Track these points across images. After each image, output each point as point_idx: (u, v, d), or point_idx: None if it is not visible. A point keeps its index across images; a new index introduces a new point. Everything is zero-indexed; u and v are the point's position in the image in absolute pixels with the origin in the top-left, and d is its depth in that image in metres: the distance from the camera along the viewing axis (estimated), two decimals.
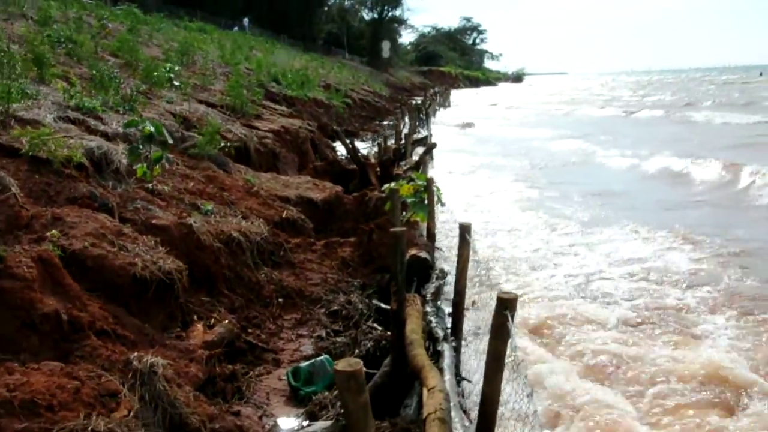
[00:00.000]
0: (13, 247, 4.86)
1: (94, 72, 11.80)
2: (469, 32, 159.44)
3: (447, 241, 10.77)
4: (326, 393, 5.35)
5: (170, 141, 9.03)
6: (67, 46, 13.95)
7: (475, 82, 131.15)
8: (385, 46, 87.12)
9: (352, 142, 16.71)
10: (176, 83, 14.95)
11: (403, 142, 20.02)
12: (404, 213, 9.73)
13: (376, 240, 9.02)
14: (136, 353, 4.56)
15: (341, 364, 2.84)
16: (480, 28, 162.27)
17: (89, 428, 3.50)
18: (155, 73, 14.44)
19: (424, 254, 8.58)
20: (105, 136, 8.51)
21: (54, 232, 5.40)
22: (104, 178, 7.30)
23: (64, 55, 13.41)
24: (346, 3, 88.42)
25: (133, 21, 24.20)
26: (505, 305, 4.06)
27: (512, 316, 4.04)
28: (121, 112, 10.35)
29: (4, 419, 3.26)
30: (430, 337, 6.19)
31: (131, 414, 3.93)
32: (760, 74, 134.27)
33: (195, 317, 6.16)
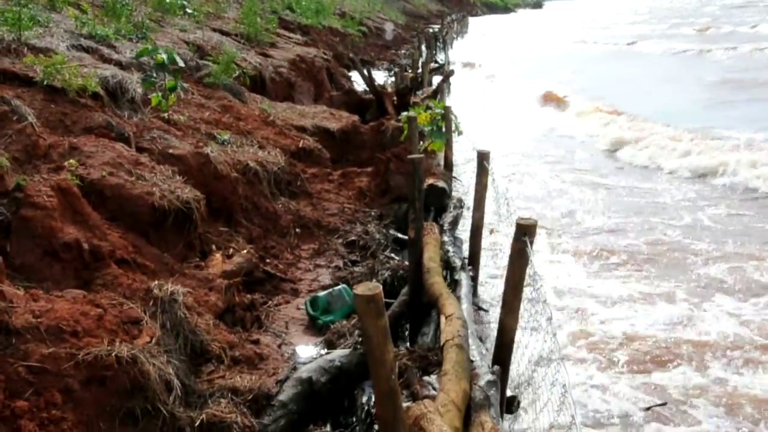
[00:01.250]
0: (32, 176, 4.85)
1: None
2: None
3: (465, 172, 10.68)
4: (344, 322, 5.40)
5: (184, 67, 8.92)
6: None
7: (493, 9, 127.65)
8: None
9: (368, 71, 16.42)
10: (189, 11, 14.69)
11: (420, 70, 19.69)
12: (421, 142, 9.62)
13: (393, 169, 8.96)
14: (156, 282, 4.59)
15: (360, 288, 2.83)
16: None
17: (113, 354, 3.54)
18: (167, 0, 14.16)
19: (441, 183, 8.54)
20: (119, 64, 8.40)
21: (72, 161, 5.39)
22: (120, 108, 7.23)
23: None
24: None
25: None
26: (524, 231, 4.02)
27: (531, 242, 4.00)
28: (134, 40, 10.20)
29: (31, 344, 3.30)
30: (447, 266, 6.22)
31: (153, 341, 3.97)
32: None
33: (213, 247, 6.19)
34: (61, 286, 4.22)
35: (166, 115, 7.86)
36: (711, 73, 23.58)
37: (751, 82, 20.87)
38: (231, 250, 6.28)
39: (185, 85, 8.80)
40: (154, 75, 7.89)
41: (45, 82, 6.37)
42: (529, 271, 4.08)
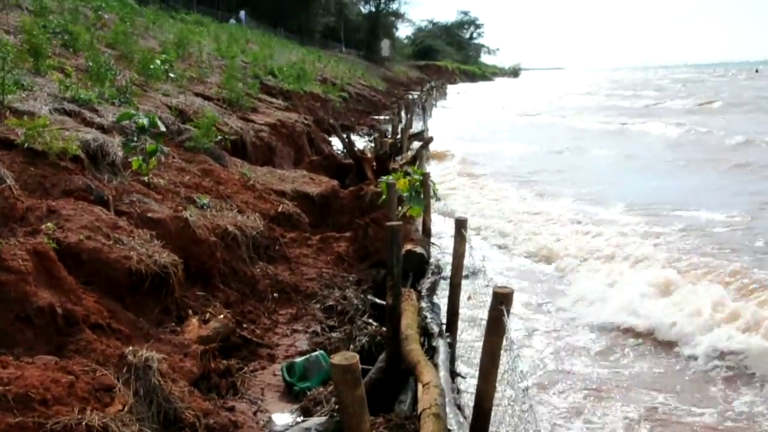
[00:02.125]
0: (8, 239, 4.83)
1: (90, 63, 11.74)
2: (466, 26, 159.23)
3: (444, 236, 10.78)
4: (321, 389, 5.35)
5: (165, 131, 9.03)
6: (63, 37, 13.88)
7: (471, 77, 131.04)
8: (385, 44, 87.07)
9: (348, 137, 16.70)
10: (172, 75, 14.94)
11: (399, 136, 20.03)
12: (400, 208, 9.74)
13: (372, 235, 9.04)
14: (131, 347, 4.55)
15: (337, 358, 2.85)
16: (477, 23, 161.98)
17: (83, 423, 3.49)
18: (151, 66, 14.38)
19: (419, 249, 8.61)
20: (101, 128, 8.48)
21: (49, 224, 5.39)
22: (100, 171, 7.27)
23: (60, 47, 13.34)
24: None
25: (129, 12, 24.10)
26: (501, 300, 4.06)
27: (508, 311, 4.04)
28: (116, 104, 10.31)
29: None
30: (425, 332, 6.21)
31: (126, 409, 3.93)
32: (756, 71, 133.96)
33: (190, 312, 6.15)
34: (33, 352, 4.17)
35: (146, 178, 7.91)
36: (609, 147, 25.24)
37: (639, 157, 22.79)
38: (208, 315, 6.24)
39: (166, 149, 8.87)
40: (136, 139, 7.98)
41: (26, 145, 6.41)
42: (506, 339, 4.12)
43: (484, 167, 21.41)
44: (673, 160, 21.85)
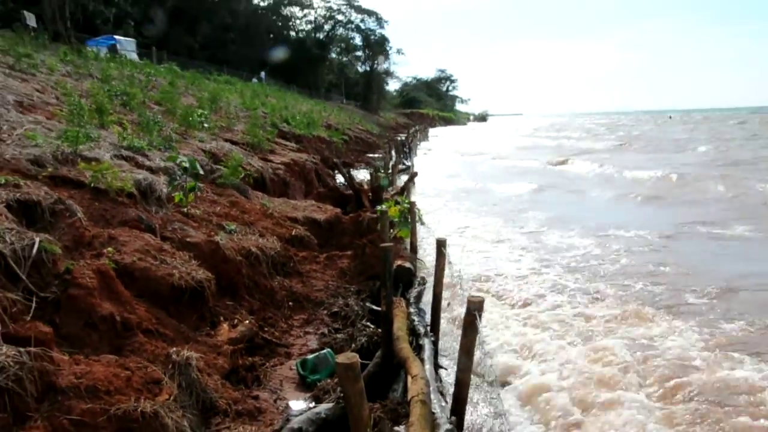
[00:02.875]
0: (78, 261, 4.90)
1: (141, 118, 11.86)
2: (443, 81, 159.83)
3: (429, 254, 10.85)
4: (329, 380, 5.40)
5: (201, 173, 9.11)
6: (122, 98, 14.04)
7: (448, 122, 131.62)
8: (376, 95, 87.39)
9: (349, 172, 16.80)
10: (206, 125, 15.04)
11: (390, 171, 20.13)
12: (392, 230, 9.81)
13: (369, 253, 9.07)
14: (174, 348, 4.61)
15: (341, 358, 2.91)
16: (452, 78, 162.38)
17: (139, 409, 3.55)
18: (190, 118, 14.52)
19: (408, 264, 8.63)
20: (150, 169, 8.56)
21: (110, 249, 5.47)
22: (149, 204, 7.34)
23: (119, 105, 13.50)
24: (344, 59, 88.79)
25: (173, 76, 24.36)
26: (474, 307, 4.15)
27: (480, 316, 4.13)
28: (162, 149, 10.40)
29: (73, 401, 3.31)
30: (413, 333, 6.21)
31: (171, 398, 3.98)
32: (670, 117, 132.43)
33: (221, 318, 6.20)
34: (98, 352, 4.23)
35: (185, 210, 7.98)
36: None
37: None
38: (236, 321, 6.28)
39: (201, 185, 8.97)
40: (178, 178, 8.08)
41: (92, 185, 6.50)
42: (478, 338, 4.21)
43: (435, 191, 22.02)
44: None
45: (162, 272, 5.68)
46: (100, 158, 7.46)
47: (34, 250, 4.43)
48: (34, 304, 4.07)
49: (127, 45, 33.32)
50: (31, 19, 25.46)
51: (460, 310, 7.55)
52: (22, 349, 3.39)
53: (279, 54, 63.30)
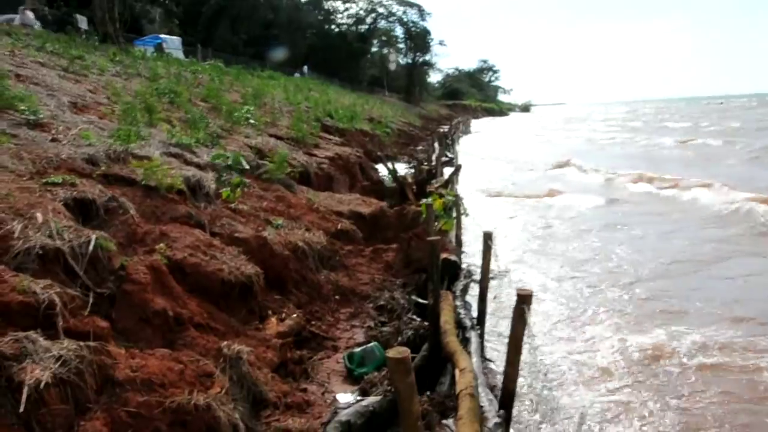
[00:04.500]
0: (132, 257, 5.05)
1: (188, 115, 12.11)
2: (485, 72, 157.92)
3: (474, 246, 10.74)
4: (375, 373, 5.41)
5: (246, 168, 9.24)
6: (169, 96, 14.37)
7: (491, 113, 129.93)
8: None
9: (392, 165, 16.76)
10: (252, 121, 15.23)
11: (434, 164, 20.02)
12: (437, 223, 9.75)
13: (414, 246, 9.05)
14: (225, 342, 4.70)
15: (392, 352, 2.90)
16: (494, 68, 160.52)
17: (192, 402, 3.63)
18: (235, 114, 14.75)
19: (453, 257, 8.61)
20: (198, 166, 8.74)
21: (161, 245, 5.59)
22: (198, 200, 7.48)
23: (167, 103, 13.81)
24: (385, 51, 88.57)
25: (218, 73, 24.80)
26: (523, 299, 4.09)
27: (529, 308, 4.07)
28: (209, 146, 10.61)
29: (130, 393, 3.42)
30: (459, 326, 6.22)
31: (223, 391, 4.05)
32: (721, 103, 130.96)
33: (269, 312, 6.27)
34: (152, 346, 4.35)
35: (233, 205, 8.10)
36: None
37: None
38: (284, 315, 6.35)
39: (248, 181, 9.09)
40: (225, 174, 8.21)
41: (143, 182, 6.67)
42: (527, 331, 4.15)
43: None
44: None
45: (212, 267, 5.79)
46: (150, 156, 7.64)
47: (90, 247, 4.58)
48: (91, 300, 4.20)
49: (173, 43, 34.10)
50: (82, 22, 26.38)
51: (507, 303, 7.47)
52: (81, 343, 3.51)
53: (321, 48, 63.69)
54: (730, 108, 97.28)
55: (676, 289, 7.93)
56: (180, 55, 32.32)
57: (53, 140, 7.13)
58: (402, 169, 22.15)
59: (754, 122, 52.54)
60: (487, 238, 6.50)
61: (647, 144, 34.31)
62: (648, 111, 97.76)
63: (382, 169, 20.07)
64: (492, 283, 7.53)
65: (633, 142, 36.17)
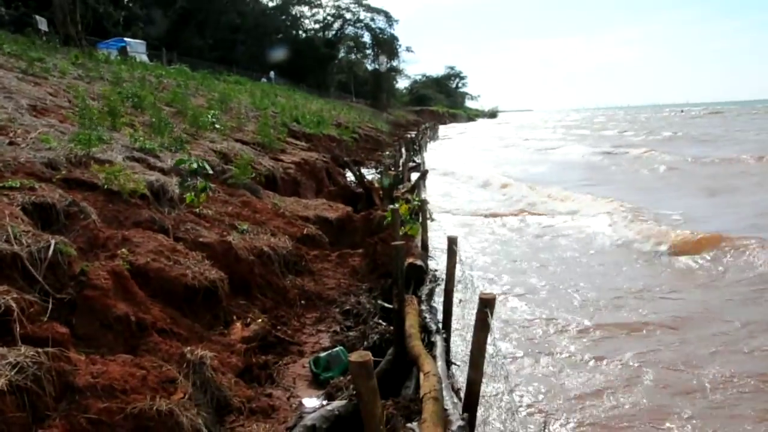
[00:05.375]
0: (93, 262, 4.96)
1: (152, 120, 11.95)
2: (452, 78, 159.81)
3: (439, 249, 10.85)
4: (341, 378, 5.42)
5: (212, 173, 9.15)
6: (133, 100, 14.13)
7: (458, 118, 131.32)
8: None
9: (359, 170, 16.81)
10: (217, 126, 15.09)
11: (401, 169, 20.13)
12: (403, 228, 9.81)
13: (380, 251, 9.09)
14: (189, 347, 4.65)
15: (354, 356, 2.92)
16: (461, 75, 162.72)
17: (154, 408, 3.59)
18: (200, 119, 14.58)
19: (419, 262, 8.63)
20: (161, 171, 8.63)
21: (123, 250, 5.52)
22: (161, 205, 7.39)
23: (131, 107, 13.59)
24: (353, 57, 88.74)
25: (183, 77, 24.46)
26: (486, 304, 4.14)
27: (491, 313, 4.12)
28: (173, 151, 10.47)
29: (90, 400, 3.36)
30: (425, 330, 6.23)
31: (186, 396, 4.02)
32: (682, 111, 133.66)
33: (234, 317, 6.24)
34: (114, 352, 4.28)
35: (197, 210, 8.04)
36: None
37: None
38: (248, 320, 6.32)
39: (213, 185, 9.02)
40: (189, 179, 8.13)
41: (105, 187, 6.55)
42: (490, 335, 4.21)
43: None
44: None
45: (176, 272, 5.73)
46: (112, 160, 7.54)
47: (50, 252, 4.49)
48: (50, 306, 4.12)
49: (137, 47, 33.58)
50: (42, 24, 25.74)
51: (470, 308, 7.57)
52: (40, 350, 3.44)
53: (288, 54, 63.45)
54: (682, 116, 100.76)
55: None
56: (144, 58, 31.85)
57: (11, 143, 6.95)
58: (369, 174, 22.27)
59: (693, 129, 55.08)
60: (452, 242, 6.56)
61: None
62: (601, 119, 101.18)
63: (349, 175, 20.12)
64: (458, 287, 7.62)
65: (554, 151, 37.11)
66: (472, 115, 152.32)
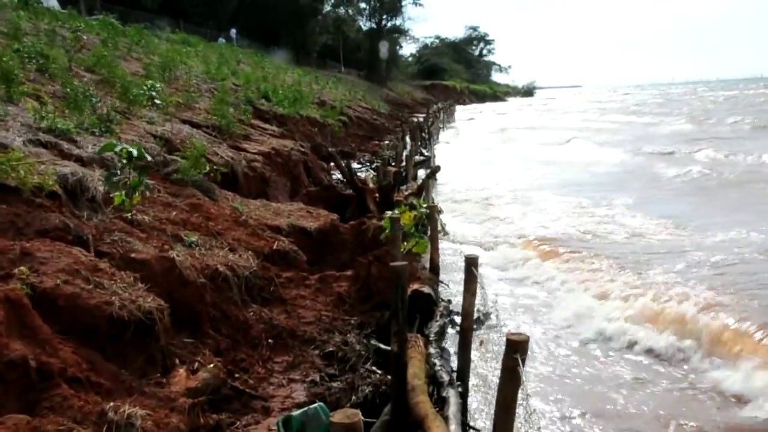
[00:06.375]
0: None
1: (67, 90, 11.86)
2: (475, 43, 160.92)
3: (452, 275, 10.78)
4: None
5: (151, 165, 9.08)
6: (38, 62, 13.97)
7: (482, 97, 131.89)
8: (383, 47, 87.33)
9: (348, 165, 16.78)
10: (157, 101, 15.04)
11: (404, 164, 20.12)
12: (405, 243, 9.76)
13: (375, 274, 9.03)
14: (111, 403, 4.57)
15: (338, 416, 2.87)
16: (487, 38, 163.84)
17: None
18: (134, 91, 14.52)
19: (427, 289, 8.61)
20: (80, 160, 8.56)
21: (23, 268, 5.42)
22: (79, 208, 7.33)
23: (34, 72, 13.45)
24: (341, 12, 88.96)
25: (110, 33, 24.31)
26: (515, 348, 4.06)
27: (523, 360, 4.05)
28: (97, 134, 10.40)
29: None
30: (434, 381, 6.22)
31: None
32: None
33: (177, 361, 6.16)
34: (3, 411, 4.17)
35: (129, 215, 7.96)
36: None
37: None
38: (196, 365, 6.25)
39: (151, 182, 8.94)
40: (118, 172, 8.05)
41: None
42: (521, 390, 4.12)
43: None
44: None
45: (97, 300, 5.66)
46: (8, 144, 7.45)
47: None
48: None
49: None
50: None
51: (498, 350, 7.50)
52: None
53: (255, 5, 63.64)
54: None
55: None
56: (54, 4, 31.63)
57: None
58: (361, 170, 22.28)
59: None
60: (471, 263, 6.50)
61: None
62: (654, 101, 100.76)
63: (335, 171, 20.08)
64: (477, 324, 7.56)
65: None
66: (500, 93, 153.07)
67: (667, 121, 53.99)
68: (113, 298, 5.76)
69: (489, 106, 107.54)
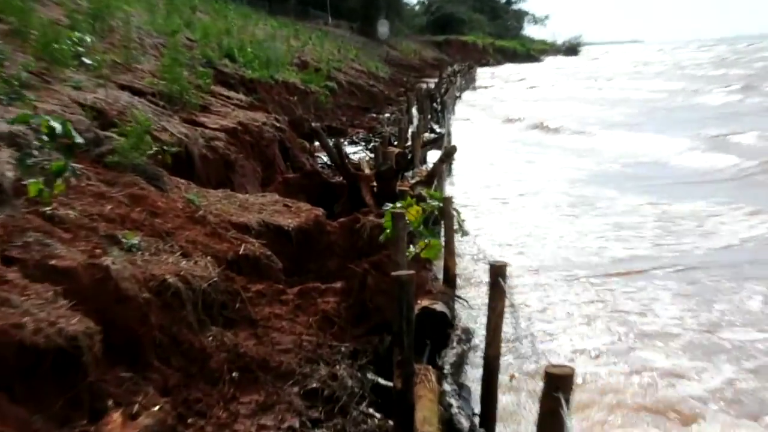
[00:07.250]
0: None
1: None
2: None
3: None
4: None
5: (79, 143, 9.02)
6: None
7: (511, 57, 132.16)
8: (382, 26, 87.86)
9: (337, 145, 16.77)
10: (87, 60, 14.96)
11: (409, 143, 20.13)
12: (411, 247, 9.73)
13: (372, 286, 9.03)
14: None
15: None
16: None
17: None
18: (56, 46, 14.45)
19: (440, 307, 8.60)
20: None
21: None
22: None
23: None
24: None
25: None
26: (556, 384, 4.02)
27: (567, 400, 4.00)
28: (5, 102, 10.33)
29: None
30: (450, 428, 6.20)
31: None
32: None
33: (111, 402, 6.08)
34: None
35: (48, 209, 7.88)
36: None
37: None
38: (136, 407, 6.19)
39: (78, 166, 8.87)
40: (35, 153, 7.99)
41: None
42: None
43: None
44: None
45: (2, 322, 5.59)
46: None
47: None
48: None
49: None
50: None
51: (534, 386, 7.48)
52: None
53: None
54: None
55: None
56: None
57: None
58: (354, 152, 22.27)
59: None
60: (498, 273, 6.44)
61: None
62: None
63: (320, 152, 20.07)
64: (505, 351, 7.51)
65: None
66: (534, 51, 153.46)
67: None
68: (25, 319, 5.67)
69: (508, 70, 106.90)
